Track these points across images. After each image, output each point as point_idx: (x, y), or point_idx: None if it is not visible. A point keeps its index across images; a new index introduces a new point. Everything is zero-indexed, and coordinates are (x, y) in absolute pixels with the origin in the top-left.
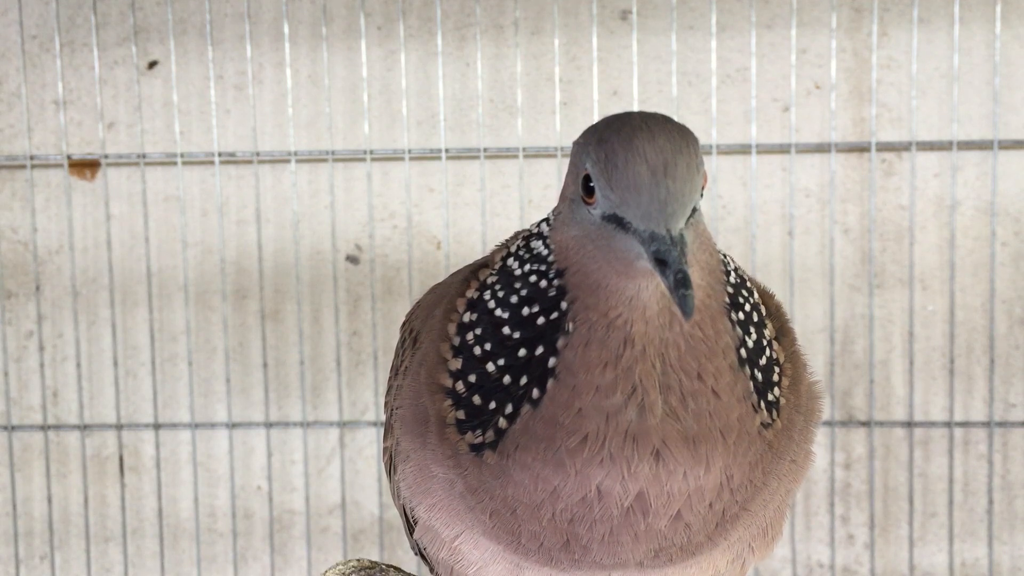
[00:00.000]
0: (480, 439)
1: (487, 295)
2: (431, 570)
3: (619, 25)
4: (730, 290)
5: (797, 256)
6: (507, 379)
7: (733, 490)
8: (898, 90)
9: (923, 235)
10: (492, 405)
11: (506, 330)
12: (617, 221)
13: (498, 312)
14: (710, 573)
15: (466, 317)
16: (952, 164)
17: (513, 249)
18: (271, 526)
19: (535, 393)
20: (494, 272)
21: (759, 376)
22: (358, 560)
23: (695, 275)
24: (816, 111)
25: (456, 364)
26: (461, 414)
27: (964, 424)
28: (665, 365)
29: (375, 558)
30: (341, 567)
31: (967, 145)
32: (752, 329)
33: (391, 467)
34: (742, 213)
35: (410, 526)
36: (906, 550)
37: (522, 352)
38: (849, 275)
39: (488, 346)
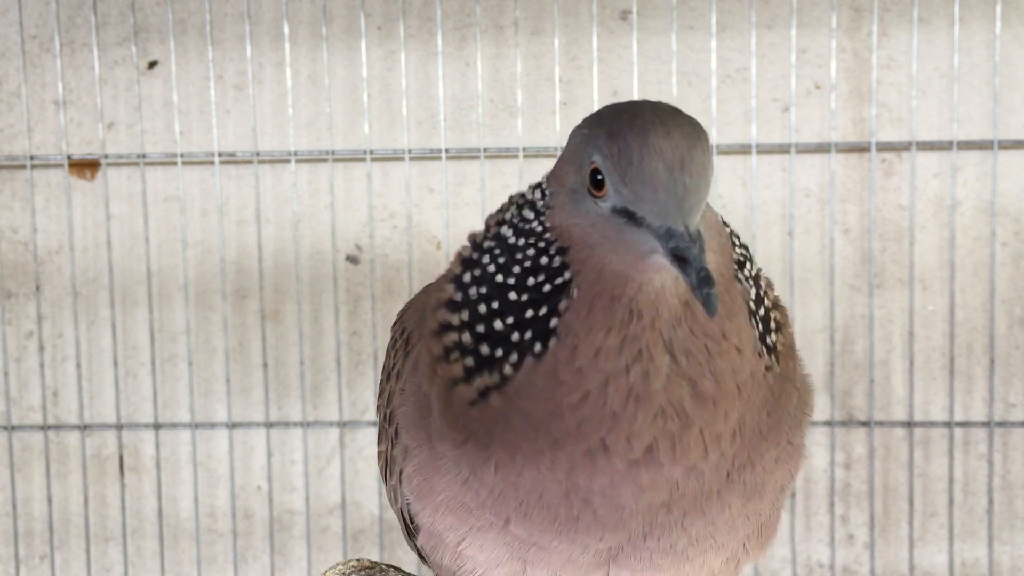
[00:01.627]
0: (487, 381)
1: (486, 259)
2: (435, 574)
3: (619, 25)
4: (737, 251)
5: (797, 256)
6: (515, 336)
7: (744, 435)
8: (898, 90)
9: (923, 235)
10: (499, 353)
11: (512, 295)
12: (628, 215)
13: (499, 278)
14: (705, 572)
15: (466, 276)
16: (952, 164)
17: (507, 217)
18: (271, 526)
19: (537, 347)
20: (489, 237)
21: (760, 328)
22: (358, 560)
23: (711, 261)
24: (816, 111)
25: (463, 316)
26: (470, 360)
27: (964, 424)
28: (683, 332)
29: (375, 558)
30: (341, 567)
31: (967, 145)
32: (752, 282)
33: (387, 471)
34: (742, 213)
35: (409, 531)
36: (906, 550)
37: (529, 313)
38: (849, 275)
39: (495, 304)
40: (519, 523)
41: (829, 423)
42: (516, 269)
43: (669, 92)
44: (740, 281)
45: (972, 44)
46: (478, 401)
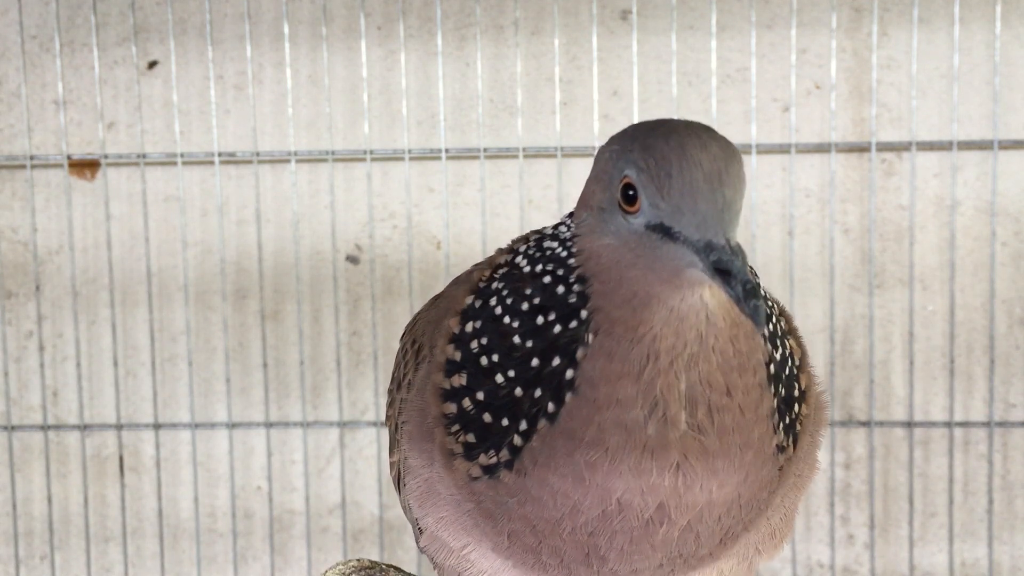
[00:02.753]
0: (495, 459)
1: (492, 301)
2: (438, 573)
3: (619, 25)
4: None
5: (797, 256)
6: (519, 391)
7: (741, 506)
8: (898, 90)
9: (923, 235)
10: (505, 422)
11: (516, 339)
12: (664, 231)
13: (506, 320)
14: (715, 575)
15: (468, 327)
16: (952, 164)
17: (522, 249)
18: (271, 526)
19: (551, 407)
20: (497, 277)
21: (783, 393)
22: (358, 560)
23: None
24: (816, 111)
25: (460, 380)
26: (471, 437)
27: (964, 424)
28: (692, 379)
29: (375, 558)
30: (341, 567)
31: (967, 145)
32: (778, 342)
33: (400, 482)
34: (742, 213)
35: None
36: (906, 550)
37: (535, 363)
38: (849, 275)
39: (496, 357)
40: (532, 569)
41: (829, 423)
42: (524, 306)
43: (669, 92)
44: (764, 337)
45: (972, 44)
46: (482, 477)
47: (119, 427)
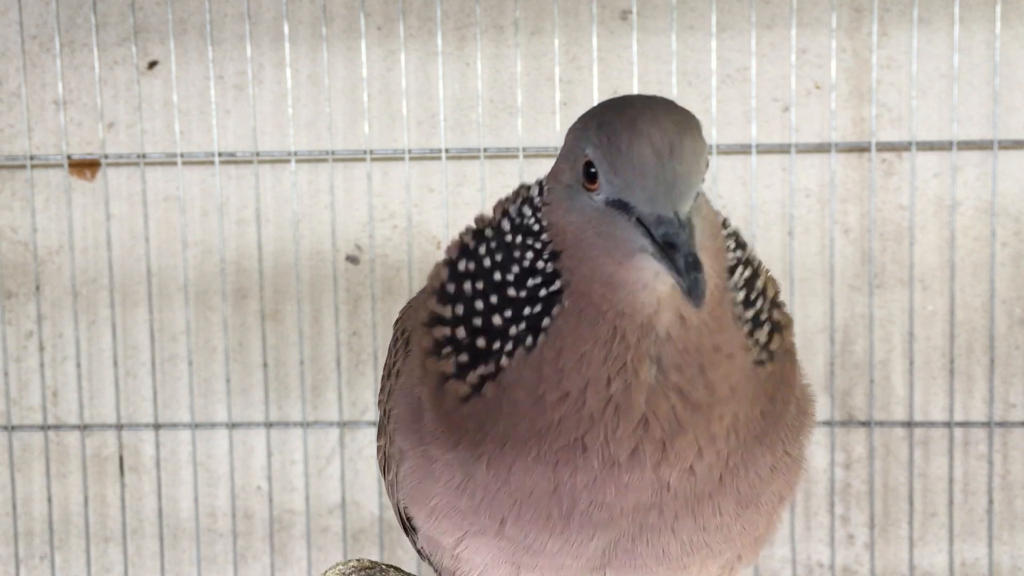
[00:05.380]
0: (482, 371)
1: (482, 250)
2: (436, 572)
3: (619, 25)
4: (730, 256)
5: (797, 256)
6: (512, 329)
7: (739, 432)
8: (898, 90)
9: (923, 235)
10: (496, 345)
11: (511, 291)
12: (622, 207)
13: (497, 275)
14: None
15: (461, 265)
16: (952, 164)
17: (511, 209)
18: (271, 526)
19: (528, 340)
20: (493, 227)
21: (751, 322)
22: (358, 560)
23: (705, 261)
24: (816, 111)
25: (458, 310)
26: (464, 357)
27: (964, 424)
28: (672, 348)
29: (375, 558)
30: (341, 567)
31: (967, 145)
32: (744, 285)
33: (385, 466)
34: (742, 213)
35: (406, 527)
36: (906, 550)
37: (526, 310)
38: (849, 275)
39: (494, 299)
40: (513, 524)
41: (829, 423)
42: (515, 269)
43: (669, 92)
44: (735, 285)
45: (972, 44)
46: (471, 395)
47: (119, 427)
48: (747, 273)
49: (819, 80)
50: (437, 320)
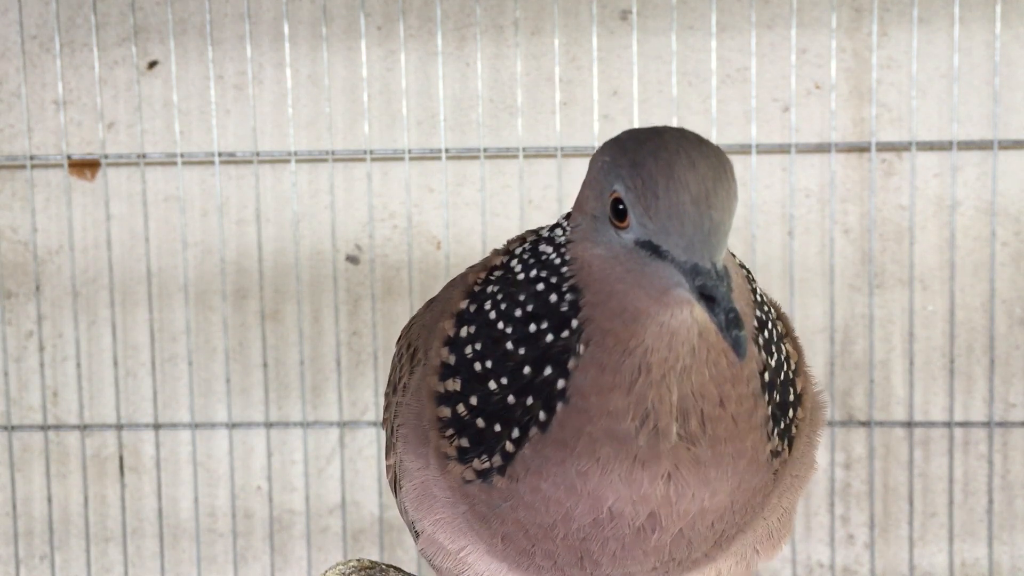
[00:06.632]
0: (487, 464)
1: (487, 305)
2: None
3: (619, 25)
4: (757, 312)
5: (797, 256)
6: (511, 399)
7: (735, 512)
8: (898, 90)
9: (923, 235)
10: (497, 428)
11: (509, 346)
12: (652, 248)
13: (500, 325)
14: (712, 574)
15: (462, 331)
16: (952, 164)
17: (517, 251)
18: (271, 526)
19: (542, 416)
20: (493, 279)
21: (777, 399)
22: (358, 560)
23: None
24: (816, 111)
25: (455, 385)
26: (464, 442)
27: (964, 424)
28: (685, 390)
29: (375, 558)
30: (341, 567)
31: (967, 145)
32: (773, 349)
33: (396, 485)
34: (742, 213)
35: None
36: (906, 550)
37: (527, 371)
38: (849, 275)
39: (489, 363)
40: (526, 571)
41: (829, 423)
42: (518, 313)
43: (669, 92)
44: (758, 346)
45: (972, 44)
46: (475, 481)
47: (119, 427)
48: (770, 320)
49: (819, 80)
50: (440, 397)
